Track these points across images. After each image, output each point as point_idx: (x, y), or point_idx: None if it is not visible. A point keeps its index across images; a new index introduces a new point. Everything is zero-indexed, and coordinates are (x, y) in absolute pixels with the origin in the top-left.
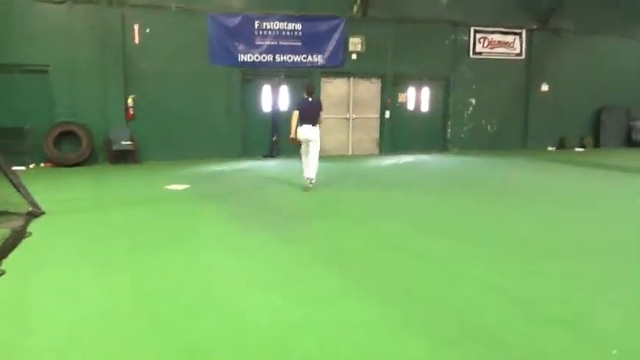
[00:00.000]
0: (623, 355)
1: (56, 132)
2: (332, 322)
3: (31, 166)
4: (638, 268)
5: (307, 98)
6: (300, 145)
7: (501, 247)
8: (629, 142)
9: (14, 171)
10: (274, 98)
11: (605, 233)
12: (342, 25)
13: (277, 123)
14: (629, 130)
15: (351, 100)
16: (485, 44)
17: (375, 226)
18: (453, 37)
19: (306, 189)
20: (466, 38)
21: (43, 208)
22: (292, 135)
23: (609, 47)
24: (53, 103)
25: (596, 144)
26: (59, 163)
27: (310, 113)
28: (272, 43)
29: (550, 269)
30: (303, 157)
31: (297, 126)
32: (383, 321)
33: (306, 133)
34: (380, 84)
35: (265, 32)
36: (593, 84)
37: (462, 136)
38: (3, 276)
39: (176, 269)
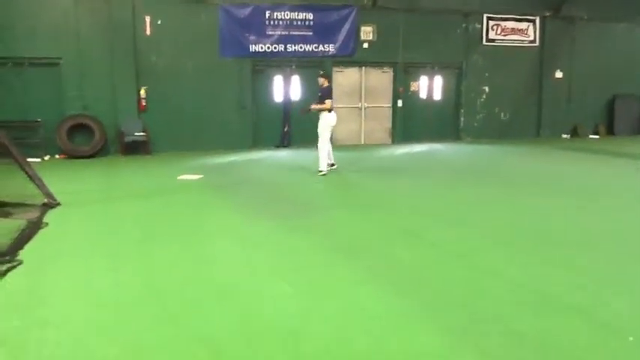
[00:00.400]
0: (639, 341)
1: (69, 124)
2: (342, 310)
3: (46, 158)
4: None
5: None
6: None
7: (514, 236)
8: None
9: (29, 163)
10: (286, 88)
11: (620, 222)
12: (353, 14)
13: (289, 113)
14: None
15: (362, 89)
16: (499, 31)
17: (387, 215)
18: (464, 24)
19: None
20: (478, 26)
21: (59, 199)
22: (313, 107)
23: (623, 34)
24: (65, 96)
25: (610, 132)
26: (73, 155)
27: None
28: (283, 33)
29: (563, 258)
30: (329, 145)
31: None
32: (394, 310)
33: (335, 119)
34: (392, 73)
35: (276, 22)
36: (606, 71)
37: (475, 124)
38: (20, 266)
39: (188, 259)
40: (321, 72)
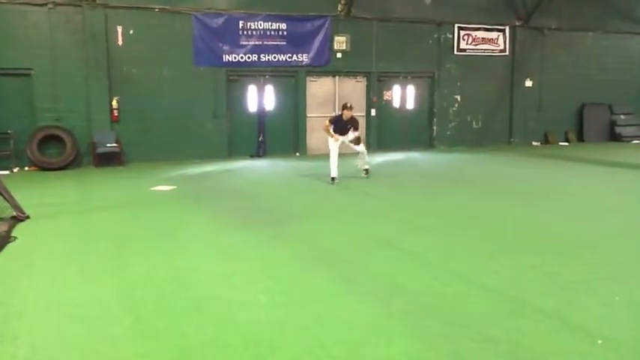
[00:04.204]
0: (608, 345)
1: (40, 136)
2: (318, 319)
3: (15, 170)
4: (622, 260)
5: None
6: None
7: (486, 242)
8: (612, 137)
9: None
10: (260, 98)
11: (590, 228)
12: (327, 24)
13: (263, 123)
14: (612, 125)
15: (336, 98)
16: (470, 41)
17: (363, 224)
18: (436, 34)
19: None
20: (450, 36)
21: (28, 212)
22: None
23: (591, 44)
24: (36, 107)
25: (580, 139)
26: (44, 167)
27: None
28: (257, 42)
29: (535, 263)
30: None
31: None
32: (369, 318)
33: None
34: (365, 82)
35: (250, 32)
36: (576, 79)
37: (448, 132)
38: None
39: (161, 270)
40: (349, 105)
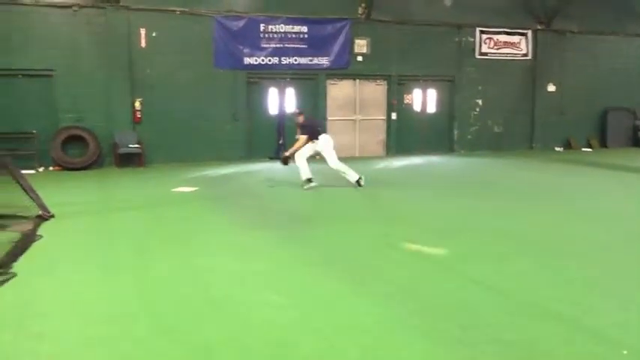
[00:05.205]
0: (633, 355)
1: (63, 136)
2: (332, 322)
3: (40, 169)
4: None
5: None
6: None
7: (503, 246)
8: (636, 143)
9: (23, 175)
10: (280, 101)
11: (611, 232)
12: (347, 27)
13: (283, 125)
14: (635, 130)
15: (357, 101)
16: (491, 45)
17: (380, 228)
18: (457, 38)
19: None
20: (471, 39)
21: (53, 211)
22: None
23: (612, 47)
24: (58, 108)
25: (603, 144)
26: (67, 167)
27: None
28: (277, 45)
29: (553, 267)
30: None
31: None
32: (385, 321)
33: (325, 141)
34: (386, 85)
35: (271, 35)
36: (598, 84)
37: (469, 137)
38: (14, 279)
39: (181, 271)
40: (297, 111)
